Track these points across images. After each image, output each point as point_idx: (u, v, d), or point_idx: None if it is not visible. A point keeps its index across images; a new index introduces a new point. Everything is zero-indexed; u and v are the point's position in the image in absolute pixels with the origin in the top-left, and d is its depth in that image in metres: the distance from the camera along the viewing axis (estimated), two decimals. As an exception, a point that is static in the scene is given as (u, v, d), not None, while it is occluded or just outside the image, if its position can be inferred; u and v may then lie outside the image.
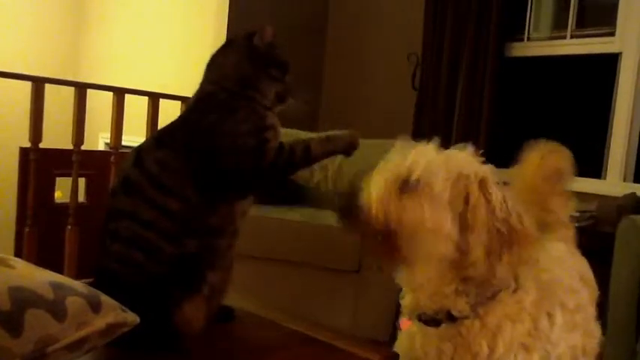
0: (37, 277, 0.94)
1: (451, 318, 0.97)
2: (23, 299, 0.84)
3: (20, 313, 0.82)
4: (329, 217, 2.63)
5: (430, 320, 0.98)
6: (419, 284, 0.97)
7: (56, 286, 0.92)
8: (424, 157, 0.95)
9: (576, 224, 2.56)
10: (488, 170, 0.97)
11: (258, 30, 1.32)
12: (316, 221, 2.57)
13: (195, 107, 1.29)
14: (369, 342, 2.32)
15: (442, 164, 0.95)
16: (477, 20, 3.18)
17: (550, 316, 1.01)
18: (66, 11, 5.10)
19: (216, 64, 1.33)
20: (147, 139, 1.32)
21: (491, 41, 3.14)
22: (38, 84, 2.69)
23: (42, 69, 4.08)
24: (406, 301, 1.02)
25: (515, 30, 3.25)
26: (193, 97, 1.32)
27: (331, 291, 2.53)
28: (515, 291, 0.97)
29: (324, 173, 3.06)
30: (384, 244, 0.94)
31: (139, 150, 1.24)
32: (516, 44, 3.26)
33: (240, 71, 1.28)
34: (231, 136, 1.21)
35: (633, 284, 1.98)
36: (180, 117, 1.34)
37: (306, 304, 2.51)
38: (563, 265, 1.16)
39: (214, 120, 1.22)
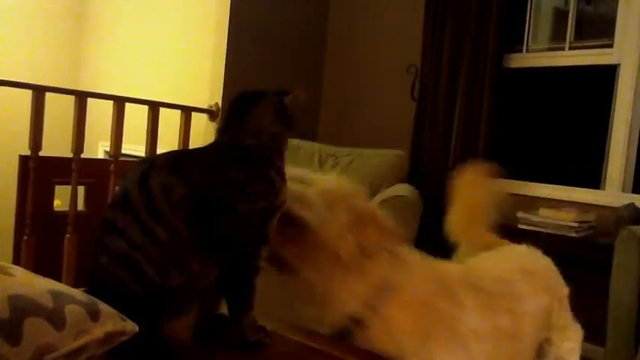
0: (37, 285, 0.94)
1: (357, 322, 1.05)
2: (22, 307, 0.84)
3: (19, 321, 0.82)
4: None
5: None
6: (320, 294, 1.09)
7: (55, 294, 0.92)
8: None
9: (575, 234, 2.57)
10: (346, 188, 1.17)
11: (293, 91, 1.32)
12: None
13: (224, 154, 1.25)
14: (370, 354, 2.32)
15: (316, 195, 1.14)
16: (475, 31, 3.20)
17: (458, 301, 1.10)
18: (67, 21, 5.12)
19: (252, 115, 1.29)
20: (163, 157, 1.26)
21: (489, 52, 3.16)
22: (39, 92, 2.70)
23: (43, 78, 4.09)
24: (309, 314, 1.09)
25: (514, 41, 3.27)
26: (229, 139, 1.28)
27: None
28: (406, 284, 1.07)
29: (323, 183, 3.07)
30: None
31: (150, 166, 1.20)
32: (515, 55, 3.27)
33: (272, 130, 1.27)
34: (247, 197, 1.20)
35: (632, 295, 1.98)
36: (206, 152, 1.29)
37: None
38: (497, 259, 1.30)
39: (238, 178, 1.20)
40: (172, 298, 1.15)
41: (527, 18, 3.30)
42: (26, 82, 2.75)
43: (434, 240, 3.23)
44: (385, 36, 3.73)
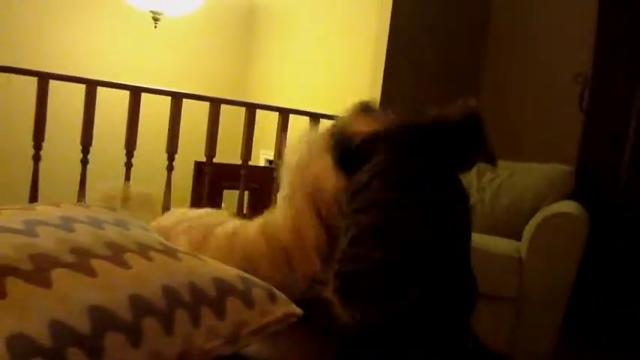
0: (229, 271, 1.04)
1: None
2: (224, 288, 0.96)
3: (223, 300, 0.94)
4: (487, 242, 2.55)
5: None
6: None
7: (243, 279, 1.03)
8: None
9: None
10: None
11: None
12: (475, 246, 2.50)
13: None
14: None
15: None
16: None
17: None
18: (237, 35, 5.52)
19: None
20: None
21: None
22: (215, 104, 2.96)
23: (217, 90, 4.43)
24: None
25: None
26: None
27: (490, 317, 2.45)
28: None
29: (480, 195, 2.98)
30: None
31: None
32: None
33: None
34: None
35: None
36: None
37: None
38: None
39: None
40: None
41: None
42: (205, 94, 3.03)
43: (603, 260, 2.99)
44: (551, 42, 3.54)
